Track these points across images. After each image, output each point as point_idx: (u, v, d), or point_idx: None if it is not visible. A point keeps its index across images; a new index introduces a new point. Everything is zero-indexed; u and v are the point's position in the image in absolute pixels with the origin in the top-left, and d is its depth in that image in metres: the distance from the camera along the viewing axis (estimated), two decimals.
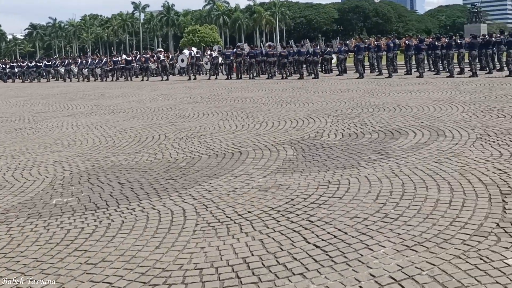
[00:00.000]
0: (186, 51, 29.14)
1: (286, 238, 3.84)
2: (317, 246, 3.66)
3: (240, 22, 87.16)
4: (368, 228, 3.94)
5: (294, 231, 3.98)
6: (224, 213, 4.48)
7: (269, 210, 4.51)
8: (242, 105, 12.65)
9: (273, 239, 3.84)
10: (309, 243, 3.73)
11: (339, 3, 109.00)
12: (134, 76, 28.97)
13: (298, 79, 20.98)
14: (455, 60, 19.34)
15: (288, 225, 4.12)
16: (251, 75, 23.28)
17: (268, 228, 4.08)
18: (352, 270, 3.26)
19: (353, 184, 5.15)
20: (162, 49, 41.61)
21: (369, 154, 6.38)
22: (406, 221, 4.04)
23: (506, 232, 3.69)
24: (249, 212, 4.49)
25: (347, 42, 27.79)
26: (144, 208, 4.75)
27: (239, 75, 23.81)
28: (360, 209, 4.40)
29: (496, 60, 19.93)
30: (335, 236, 3.82)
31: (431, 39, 22.78)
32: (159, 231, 4.14)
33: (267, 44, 29.56)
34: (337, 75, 22.01)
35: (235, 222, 4.24)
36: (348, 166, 5.87)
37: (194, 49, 30.31)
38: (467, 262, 3.26)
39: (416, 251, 3.47)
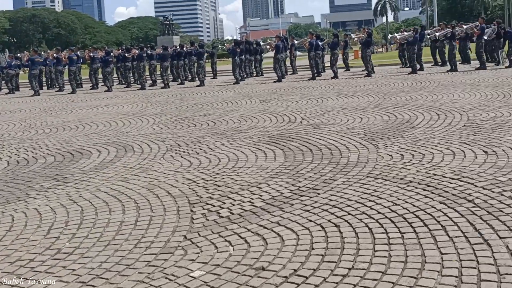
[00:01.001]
0: None
1: None
2: None
3: None
4: (34, 271, 3.57)
5: None
6: None
7: None
8: None
9: None
10: None
11: (11, 12, 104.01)
12: None
13: None
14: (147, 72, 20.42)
15: None
16: None
17: None
18: None
19: (18, 220, 4.69)
20: None
21: (42, 182, 5.98)
22: (83, 253, 3.81)
23: (193, 243, 3.82)
24: None
25: (19, 55, 26.50)
26: None
27: None
28: (25, 249, 3.99)
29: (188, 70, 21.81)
30: None
31: (120, 50, 23.52)
32: None
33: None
34: (6, 93, 20.87)
35: None
36: (13, 199, 5.36)
37: None
38: (151, 285, 3.22)
39: (94, 286, 3.27)
